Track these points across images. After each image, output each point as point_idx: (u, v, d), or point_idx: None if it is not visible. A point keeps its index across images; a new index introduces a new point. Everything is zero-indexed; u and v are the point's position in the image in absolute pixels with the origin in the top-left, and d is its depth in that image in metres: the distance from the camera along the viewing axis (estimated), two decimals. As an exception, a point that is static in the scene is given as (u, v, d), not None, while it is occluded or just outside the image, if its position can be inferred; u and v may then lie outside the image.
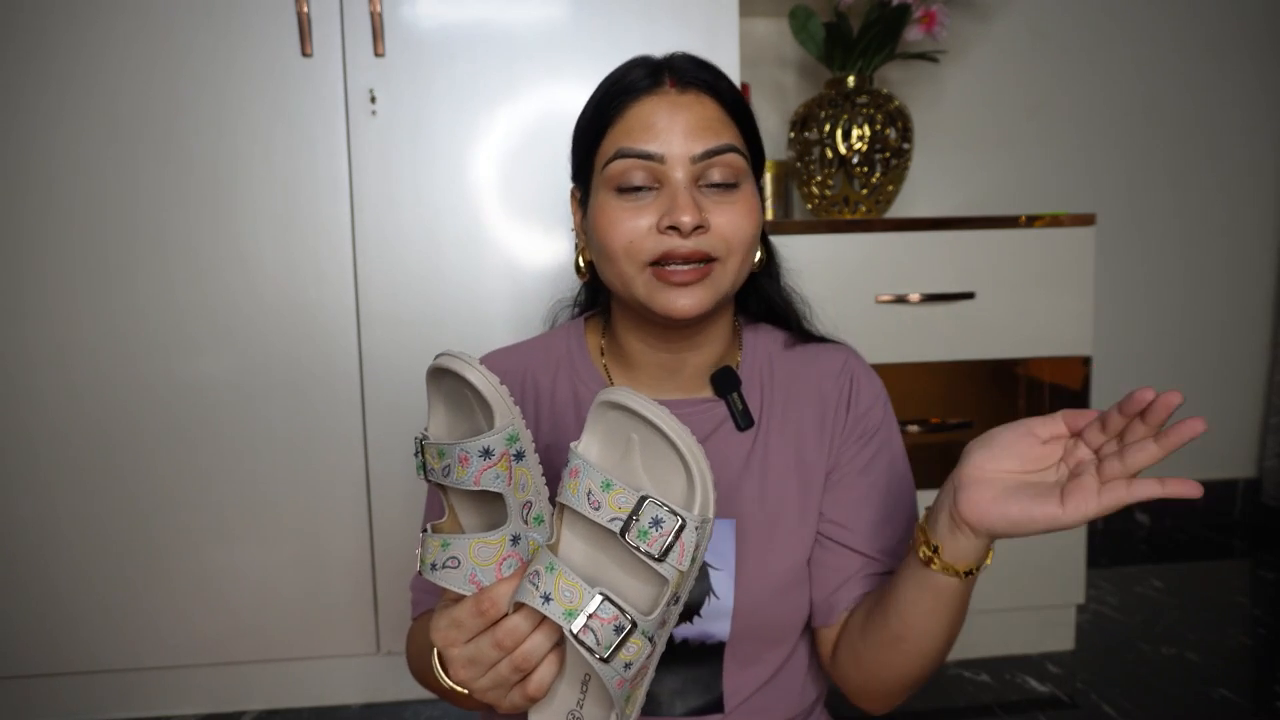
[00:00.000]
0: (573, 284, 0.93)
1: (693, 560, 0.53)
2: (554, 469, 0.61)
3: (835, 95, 1.67)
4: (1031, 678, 1.53)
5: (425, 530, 0.57)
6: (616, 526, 0.52)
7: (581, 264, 0.77)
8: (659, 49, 0.74)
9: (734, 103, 0.71)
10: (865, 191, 1.68)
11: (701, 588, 0.71)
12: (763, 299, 0.83)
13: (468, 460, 0.53)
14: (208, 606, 1.42)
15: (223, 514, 1.40)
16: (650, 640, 0.53)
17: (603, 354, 0.80)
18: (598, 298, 0.86)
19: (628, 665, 0.52)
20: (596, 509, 0.52)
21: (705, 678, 0.73)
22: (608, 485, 0.53)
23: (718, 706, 0.73)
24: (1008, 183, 2.13)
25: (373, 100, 1.35)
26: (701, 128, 0.68)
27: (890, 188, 1.69)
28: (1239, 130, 2.22)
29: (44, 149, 1.32)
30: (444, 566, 0.54)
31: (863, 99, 1.66)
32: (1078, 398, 1.53)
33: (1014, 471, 0.56)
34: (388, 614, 1.45)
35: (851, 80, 1.67)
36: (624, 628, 0.51)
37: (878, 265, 1.47)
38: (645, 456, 0.55)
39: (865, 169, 1.65)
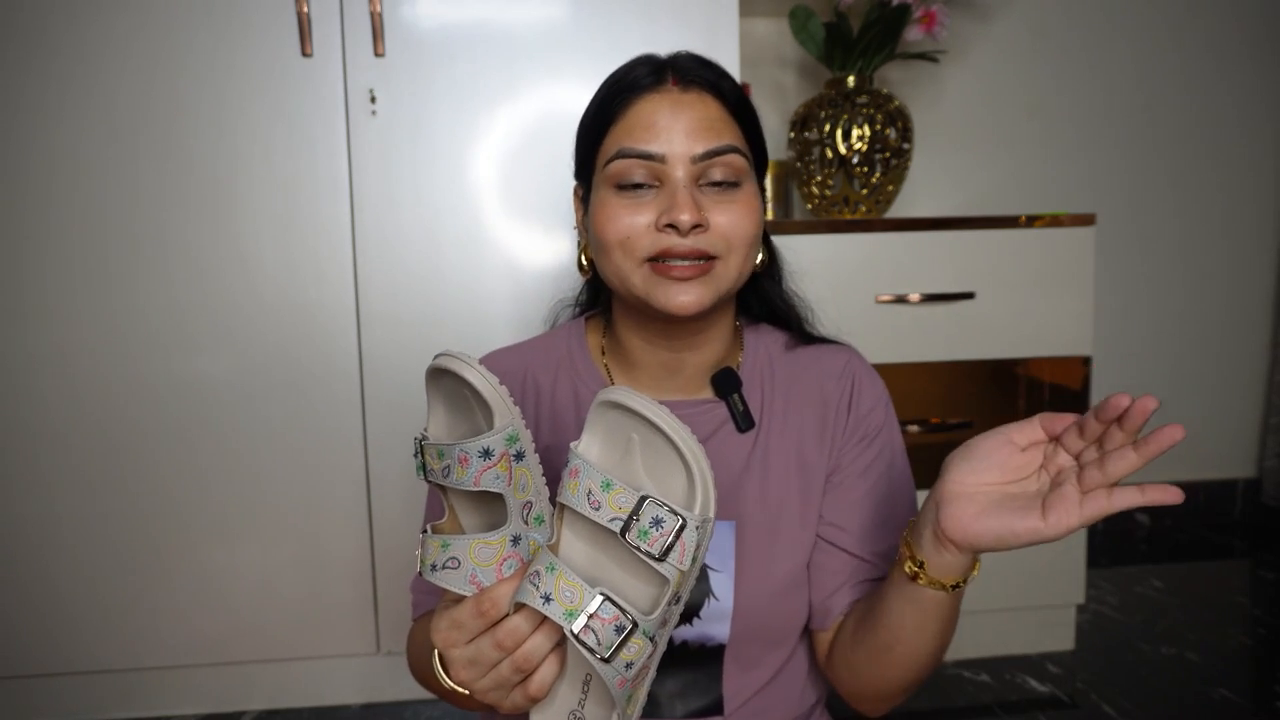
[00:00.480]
0: (573, 284, 0.93)
1: (693, 560, 0.53)
2: (554, 469, 0.61)
3: (835, 95, 1.67)
4: (1031, 678, 1.53)
5: (425, 531, 0.57)
6: (617, 526, 0.52)
7: (584, 261, 0.78)
8: (659, 49, 0.73)
9: (737, 102, 0.71)
10: (865, 191, 1.68)
11: (701, 590, 0.71)
12: (764, 301, 0.82)
13: (467, 461, 0.53)
14: (208, 606, 1.42)
15: (223, 514, 1.40)
16: (651, 640, 0.53)
17: (603, 354, 0.80)
18: (599, 297, 0.86)
19: (629, 665, 0.52)
20: (597, 509, 0.52)
21: (705, 680, 0.73)
22: (608, 485, 0.52)
23: (717, 709, 0.73)
24: (1008, 183, 2.13)
25: (373, 100, 1.35)
26: (703, 127, 0.68)
27: (890, 188, 1.69)
28: (1239, 130, 2.22)
29: (44, 149, 1.32)
30: (444, 567, 0.54)
31: (863, 99, 1.66)
32: (1078, 398, 1.53)
33: (995, 484, 0.56)
34: (388, 614, 1.45)
35: (851, 80, 1.67)
36: (625, 628, 0.51)
37: (878, 265, 1.47)
38: (645, 456, 0.55)
39: (865, 169, 1.65)
